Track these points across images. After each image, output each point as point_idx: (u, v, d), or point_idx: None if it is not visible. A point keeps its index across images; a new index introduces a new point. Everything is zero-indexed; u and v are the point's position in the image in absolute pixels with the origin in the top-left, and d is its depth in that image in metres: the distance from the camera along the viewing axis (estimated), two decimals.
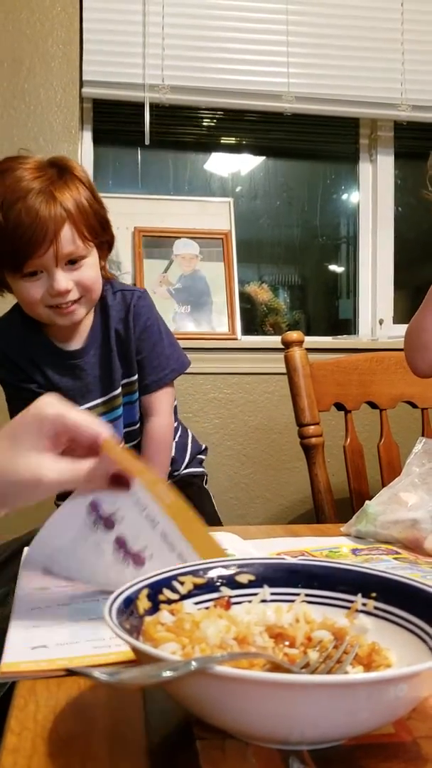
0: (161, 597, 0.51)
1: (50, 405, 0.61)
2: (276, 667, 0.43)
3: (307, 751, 0.39)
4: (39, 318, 1.17)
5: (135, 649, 0.42)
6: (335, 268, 2.62)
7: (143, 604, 0.49)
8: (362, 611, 0.51)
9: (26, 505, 0.60)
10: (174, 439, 1.36)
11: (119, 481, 0.61)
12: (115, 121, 2.31)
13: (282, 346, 1.42)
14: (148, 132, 2.16)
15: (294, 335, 1.41)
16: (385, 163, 2.47)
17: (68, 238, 1.09)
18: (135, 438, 1.31)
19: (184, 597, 0.52)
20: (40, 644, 0.55)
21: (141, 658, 0.42)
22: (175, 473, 1.37)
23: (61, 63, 2.11)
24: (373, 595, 0.51)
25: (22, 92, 2.08)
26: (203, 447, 1.46)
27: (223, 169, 2.48)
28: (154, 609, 0.49)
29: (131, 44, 2.16)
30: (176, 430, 1.38)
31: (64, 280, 1.10)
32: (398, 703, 0.38)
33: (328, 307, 2.65)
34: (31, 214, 1.06)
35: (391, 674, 0.37)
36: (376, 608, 0.50)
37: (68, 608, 0.63)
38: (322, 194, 2.57)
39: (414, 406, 1.48)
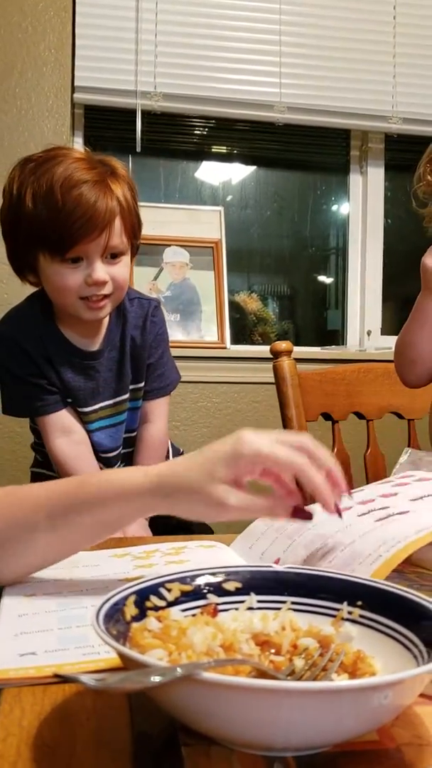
0: (148, 604, 0.51)
1: (249, 444, 0.63)
2: (262, 674, 0.43)
3: (291, 757, 0.40)
4: (65, 308, 1.16)
5: (122, 655, 0.42)
6: (324, 278, 2.64)
7: (130, 610, 0.49)
8: (348, 619, 0.51)
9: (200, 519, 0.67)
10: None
11: (301, 514, 0.65)
12: (106, 128, 2.32)
13: (271, 356, 1.43)
14: (140, 139, 2.17)
15: (283, 345, 1.42)
16: (376, 175, 2.50)
17: (117, 231, 1.11)
18: (132, 444, 1.31)
19: (171, 604, 0.52)
20: (29, 651, 0.55)
21: (128, 664, 0.42)
22: None
23: (53, 68, 2.12)
24: (359, 603, 0.51)
25: (13, 96, 2.09)
26: (180, 451, 1.45)
27: (214, 177, 2.49)
28: (141, 616, 0.49)
29: (124, 51, 2.17)
30: None
31: (103, 271, 1.11)
32: (382, 710, 0.38)
33: (316, 318, 2.66)
34: (90, 201, 1.06)
35: (376, 682, 0.38)
36: (361, 616, 0.51)
37: (56, 615, 0.63)
38: (313, 205, 2.59)
39: (400, 416, 1.49)
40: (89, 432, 1.23)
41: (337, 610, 0.52)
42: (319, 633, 0.49)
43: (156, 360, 1.28)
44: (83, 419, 1.22)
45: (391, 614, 0.49)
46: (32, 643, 0.56)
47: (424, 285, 1.17)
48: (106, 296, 1.14)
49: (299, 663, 0.46)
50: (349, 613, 0.51)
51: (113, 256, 1.13)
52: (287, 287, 2.64)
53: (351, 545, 0.66)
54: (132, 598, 0.50)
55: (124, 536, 0.99)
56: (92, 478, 0.72)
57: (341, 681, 0.44)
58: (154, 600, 0.51)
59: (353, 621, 0.51)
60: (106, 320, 1.24)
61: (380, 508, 0.71)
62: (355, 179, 2.52)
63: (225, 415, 2.19)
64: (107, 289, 1.13)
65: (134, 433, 1.30)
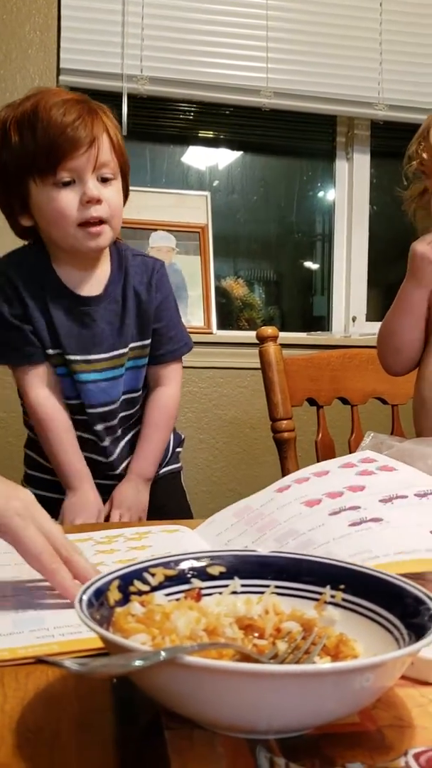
0: (132, 588, 0.51)
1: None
2: (245, 658, 0.44)
3: (274, 740, 0.40)
4: (64, 240, 1.13)
5: (105, 640, 0.42)
6: (310, 264, 2.64)
7: (114, 595, 0.49)
8: (331, 603, 0.52)
9: None
10: None
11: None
12: None
13: (257, 341, 1.43)
14: (126, 123, 2.15)
15: (269, 331, 1.42)
16: (361, 162, 2.49)
17: (106, 147, 1.10)
18: (134, 405, 1.27)
19: (155, 588, 0.52)
20: None
21: (111, 649, 0.42)
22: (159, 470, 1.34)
23: (38, 50, 2.09)
24: (342, 587, 0.52)
25: None
26: (182, 437, 1.43)
27: (200, 162, 2.48)
28: (125, 600, 0.49)
29: (110, 33, 2.15)
30: None
31: (96, 189, 1.09)
32: (364, 692, 0.39)
33: (302, 304, 2.66)
34: (74, 114, 1.07)
35: (357, 664, 0.38)
36: (344, 600, 0.51)
37: (12, 600, 0.63)
38: (299, 191, 2.58)
39: (384, 402, 1.50)
40: (81, 383, 1.19)
41: (320, 593, 0.52)
42: (302, 616, 0.49)
43: (167, 322, 1.26)
44: (74, 368, 1.18)
45: (373, 598, 0.49)
46: None
47: (411, 272, 1.17)
48: (103, 222, 1.11)
49: (282, 646, 0.46)
50: (332, 596, 0.52)
51: (104, 180, 1.11)
52: (273, 273, 2.64)
53: (325, 545, 0.66)
54: (116, 583, 0.50)
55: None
56: None
57: (323, 664, 0.44)
58: (138, 585, 0.51)
59: (336, 604, 0.51)
60: (107, 269, 1.22)
61: (351, 507, 0.71)
62: (341, 165, 2.51)
63: (210, 400, 2.19)
64: (104, 211, 1.11)
65: (136, 394, 1.26)
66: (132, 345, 1.23)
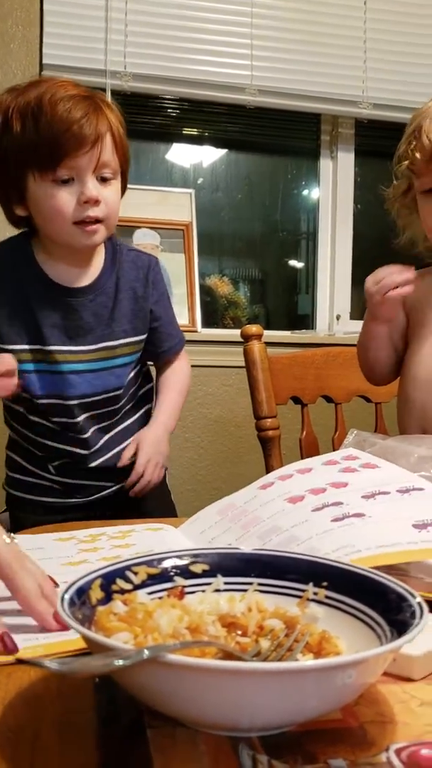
0: (114, 587, 0.51)
1: None
2: (228, 656, 0.44)
3: (256, 737, 0.40)
4: (58, 237, 1.12)
5: (87, 639, 0.41)
6: (295, 263, 2.64)
7: (96, 594, 0.49)
8: (313, 600, 0.52)
9: None
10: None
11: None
12: None
13: (241, 340, 1.43)
14: None
15: (253, 329, 1.42)
16: (346, 160, 2.50)
17: (109, 148, 1.09)
18: (119, 401, 1.24)
19: (137, 587, 0.52)
20: None
21: (93, 648, 0.42)
22: None
23: (20, 45, 2.07)
24: (325, 584, 0.52)
25: None
26: None
27: (184, 159, 2.47)
28: (108, 599, 0.49)
29: (93, 29, 2.14)
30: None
31: (95, 189, 1.08)
32: (346, 689, 0.39)
33: (287, 302, 2.67)
34: (80, 113, 1.05)
35: (339, 661, 0.38)
36: (327, 597, 0.51)
37: None
38: (283, 189, 2.59)
39: (368, 400, 1.51)
40: (63, 373, 1.17)
41: (303, 591, 0.52)
42: (285, 614, 0.49)
43: (164, 320, 1.27)
44: (56, 358, 1.17)
45: (356, 595, 0.50)
46: None
47: (368, 307, 1.19)
48: (99, 221, 1.10)
49: (265, 644, 0.46)
50: (315, 593, 0.52)
51: (104, 179, 1.10)
52: (258, 271, 2.64)
53: (308, 541, 0.66)
54: (98, 582, 0.50)
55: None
56: None
57: (305, 661, 0.44)
58: (121, 583, 0.51)
59: (319, 602, 0.51)
60: (100, 261, 1.21)
61: (333, 503, 0.72)
62: (325, 164, 2.51)
63: (195, 399, 2.19)
64: (101, 212, 1.10)
65: (119, 391, 1.23)
66: (125, 340, 1.22)
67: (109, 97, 2.12)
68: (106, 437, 1.26)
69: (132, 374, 1.26)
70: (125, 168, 1.16)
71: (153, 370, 1.37)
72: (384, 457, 0.85)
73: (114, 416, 1.26)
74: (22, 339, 1.16)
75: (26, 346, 1.16)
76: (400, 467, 0.81)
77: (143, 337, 1.25)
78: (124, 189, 1.18)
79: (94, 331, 1.19)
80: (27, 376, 1.16)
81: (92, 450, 1.23)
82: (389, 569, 0.57)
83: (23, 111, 1.06)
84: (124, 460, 1.22)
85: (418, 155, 1.09)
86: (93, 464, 1.23)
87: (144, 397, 1.33)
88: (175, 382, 1.34)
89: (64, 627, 0.54)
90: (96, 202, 1.09)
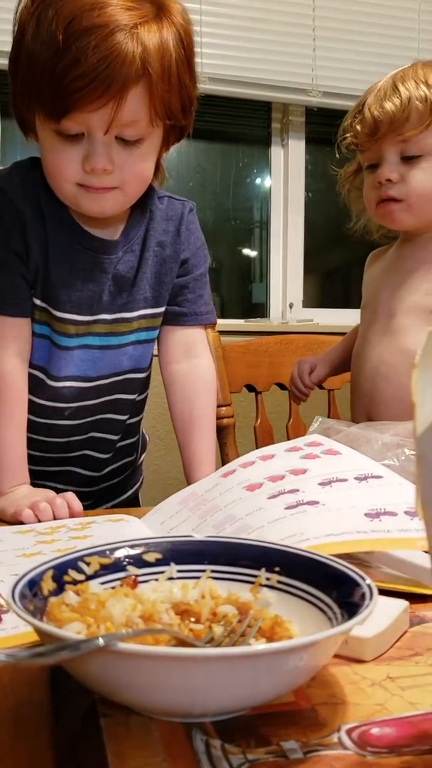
0: (66, 578, 0.50)
1: None
2: (181, 643, 0.44)
3: (210, 723, 0.40)
4: (58, 194, 0.89)
5: (39, 631, 0.41)
6: (248, 252, 2.65)
7: (48, 585, 0.48)
8: (266, 585, 0.52)
9: None
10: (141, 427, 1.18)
11: None
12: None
13: None
14: None
15: None
16: (297, 148, 2.51)
17: (136, 102, 0.81)
18: (138, 390, 1.06)
19: (90, 577, 0.52)
20: None
21: (45, 639, 0.41)
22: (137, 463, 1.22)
23: None
24: (277, 569, 0.52)
25: None
26: (147, 440, 1.32)
27: None
28: (59, 590, 0.49)
29: None
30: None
31: (104, 156, 0.83)
32: (298, 672, 0.39)
33: (241, 291, 2.67)
34: (101, 53, 0.76)
35: (290, 644, 0.38)
36: (279, 582, 0.52)
37: None
38: (235, 177, 2.58)
39: (321, 387, 1.52)
40: (68, 349, 0.95)
41: (256, 576, 0.53)
42: (237, 600, 0.50)
43: (197, 278, 1.04)
44: (55, 327, 0.94)
45: (307, 579, 0.50)
46: None
47: None
48: (111, 188, 0.87)
49: (218, 630, 0.46)
50: (267, 579, 0.52)
51: (125, 141, 0.85)
52: (212, 260, 2.63)
53: (260, 530, 0.66)
54: (50, 573, 0.49)
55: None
56: None
57: (257, 645, 0.44)
58: (73, 574, 0.51)
59: (271, 587, 0.52)
60: (126, 210, 0.96)
61: (290, 491, 0.72)
62: (276, 152, 2.52)
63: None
64: (111, 181, 0.86)
65: (143, 375, 1.05)
66: (143, 312, 0.99)
67: None
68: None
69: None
70: (183, 115, 0.88)
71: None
72: (349, 444, 0.84)
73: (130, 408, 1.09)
74: (37, 293, 0.94)
75: (39, 303, 0.95)
76: (364, 454, 0.81)
77: (162, 309, 1.02)
78: (175, 139, 0.94)
79: (114, 300, 0.97)
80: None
81: (71, 454, 1.07)
82: (347, 557, 0.58)
83: (39, 22, 0.79)
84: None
85: (359, 128, 1.10)
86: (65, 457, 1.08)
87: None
88: (209, 401, 1.05)
89: None
90: (103, 172, 0.85)
